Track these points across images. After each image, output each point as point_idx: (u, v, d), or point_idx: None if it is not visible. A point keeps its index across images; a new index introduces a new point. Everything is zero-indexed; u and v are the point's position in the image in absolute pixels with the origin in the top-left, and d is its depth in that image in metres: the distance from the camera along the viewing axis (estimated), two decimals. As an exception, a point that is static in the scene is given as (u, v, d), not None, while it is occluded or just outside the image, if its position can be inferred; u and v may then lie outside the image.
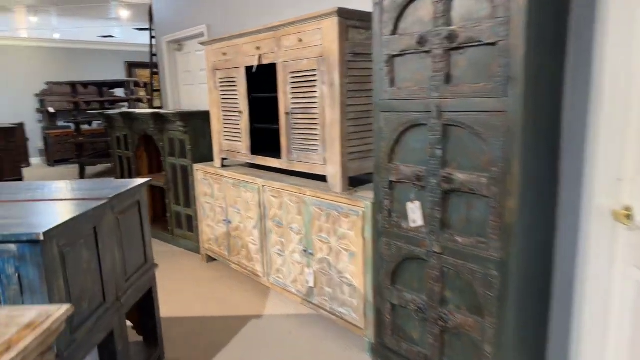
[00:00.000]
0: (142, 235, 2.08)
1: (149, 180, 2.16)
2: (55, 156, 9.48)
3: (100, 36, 10.13)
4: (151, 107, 6.16)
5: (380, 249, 2.07)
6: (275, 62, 2.58)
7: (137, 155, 4.35)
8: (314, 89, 2.34)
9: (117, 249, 1.81)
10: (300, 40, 2.36)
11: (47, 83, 9.98)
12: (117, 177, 4.68)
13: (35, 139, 9.90)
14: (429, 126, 1.77)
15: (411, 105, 1.83)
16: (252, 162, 2.99)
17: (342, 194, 2.26)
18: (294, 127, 2.54)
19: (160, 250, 3.99)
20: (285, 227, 2.65)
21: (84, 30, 9.62)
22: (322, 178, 2.45)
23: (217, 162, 3.33)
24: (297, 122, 2.52)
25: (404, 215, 1.93)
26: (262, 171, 3.04)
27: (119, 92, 9.70)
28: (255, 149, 3.00)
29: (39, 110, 9.98)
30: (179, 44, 4.85)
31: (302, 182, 2.62)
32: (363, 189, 2.35)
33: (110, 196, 1.75)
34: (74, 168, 8.26)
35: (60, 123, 9.87)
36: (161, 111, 3.81)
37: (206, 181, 3.39)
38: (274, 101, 2.70)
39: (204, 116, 3.56)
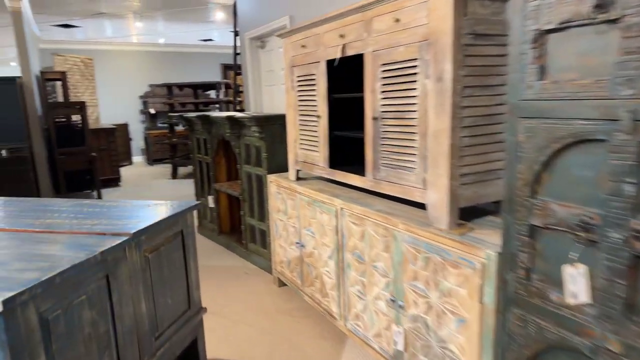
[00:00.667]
0: (185, 274, 1.64)
1: (196, 205, 1.72)
2: (154, 155, 9.96)
3: (201, 40, 10.51)
4: (235, 109, 5.97)
5: (508, 323, 1.38)
6: (362, 52, 2.00)
7: (215, 160, 4.08)
8: (413, 86, 1.73)
9: (144, 299, 1.38)
10: (397, 21, 1.76)
11: (150, 85, 10.56)
12: (196, 183, 4.49)
13: (138, 139, 10.53)
14: (611, 143, 1.06)
15: (577, 108, 1.13)
16: (330, 177, 2.46)
17: (450, 233, 1.61)
18: (384, 136, 1.94)
19: (232, 265, 3.65)
20: (367, 264, 2.06)
21: (186, 35, 10.04)
22: (421, 205, 1.82)
23: (291, 174, 2.85)
24: (387, 130, 1.92)
25: (555, 282, 1.24)
26: (343, 188, 2.49)
27: (214, 94, 9.91)
28: (335, 162, 2.46)
29: (142, 112, 10.59)
30: (261, 40, 4.52)
31: (393, 207, 2.01)
32: (481, 226, 1.67)
33: (135, 230, 1.32)
34: (168, 168, 8.54)
35: (159, 124, 10.37)
36: (236, 114, 3.46)
37: (279, 195, 2.93)
38: (359, 103, 2.12)
39: (283, 120, 3.12)
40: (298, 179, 2.83)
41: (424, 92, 1.67)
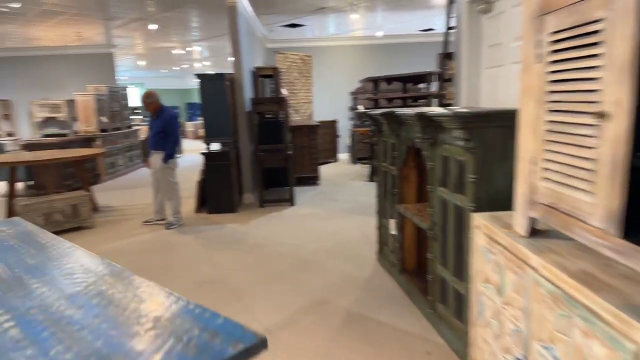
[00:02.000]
0: None
1: None
2: (358, 154, 9.55)
3: (421, 30, 9.60)
4: (442, 103, 4.71)
5: None
6: None
7: (402, 173, 3.01)
8: None
9: None
10: None
11: (360, 81, 10.19)
12: (378, 198, 3.51)
13: (346, 136, 10.35)
14: None
15: None
16: (623, 259, 1.05)
17: None
18: None
19: (409, 330, 2.52)
20: None
21: (405, 25, 9.28)
22: None
23: (519, 221, 1.52)
24: None
25: None
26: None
27: (426, 87, 8.79)
28: (636, 222, 1.04)
29: (351, 108, 10.34)
30: (486, 1, 3.13)
31: None
32: None
33: None
34: (367, 169, 7.90)
35: (365, 121, 9.89)
36: (430, 110, 2.28)
37: (491, 255, 1.64)
38: None
39: (510, 121, 1.78)
40: (533, 233, 1.48)
41: None
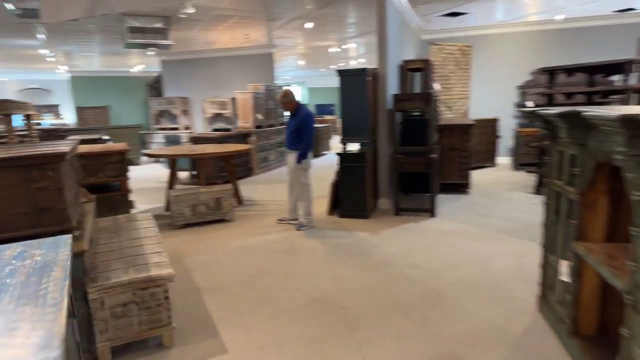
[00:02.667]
0: None
1: None
2: (521, 158, 8.14)
3: (616, 11, 7.68)
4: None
5: None
6: None
7: (586, 199, 2.12)
8: None
9: None
10: None
11: (532, 73, 8.65)
12: (545, 225, 2.62)
13: (508, 137, 8.96)
14: None
15: None
16: None
17: None
18: None
19: None
20: None
21: (596, 5, 7.51)
22: None
23: None
24: None
25: None
26: None
27: (621, 80, 6.93)
28: None
29: (517, 104, 8.89)
30: None
31: None
32: None
33: None
34: (534, 178, 6.58)
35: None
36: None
37: None
38: None
39: None
40: None
41: None
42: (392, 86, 5.49)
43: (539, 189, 6.04)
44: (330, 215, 5.23)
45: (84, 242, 2.27)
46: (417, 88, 7.02)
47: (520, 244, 3.99)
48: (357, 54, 16.16)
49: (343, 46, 13.60)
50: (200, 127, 10.92)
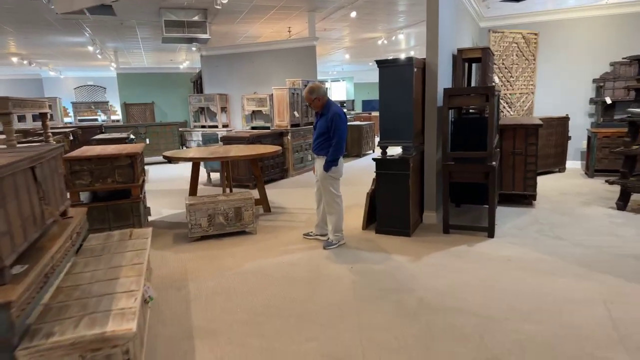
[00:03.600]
0: None
1: None
2: (597, 164, 6.95)
3: None
4: None
5: None
6: None
7: None
8: None
9: None
10: None
11: (612, 63, 7.38)
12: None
13: (579, 138, 7.74)
14: None
15: None
16: None
17: None
18: None
19: None
20: None
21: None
22: None
23: None
24: None
25: None
26: None
27: None
28: None
29: (592, 100, 7.65)
30: None
31: None
32: None
33: None
34: (615, 189, 5.46)
35: (616, 119, 7.11)
36: None
37: None
38: None
39: None
40: None
41: None
42: (443, 79, 4.65)
43: (624, 204, 4.96)
44: (364, 231, 4.50)
45: (19, 287, 1.73)
46: (473, 81, 6.09)
47: (608, 283, 3.07)
48: (407, 46, 15.16)
49: (393, 37, 12.71)
50: (239, 125, 10.52)
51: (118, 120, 15.62)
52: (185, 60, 15.47)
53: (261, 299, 3.02)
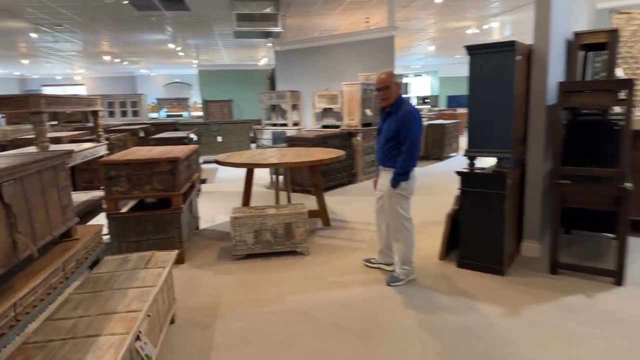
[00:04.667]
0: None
1: None
2: None
3: None
4: None
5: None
6: None
7: None
8: None
9: None
10: None
11: None
12: None
13: None
14: None
15: None
16: None
17: None
18: None
19: None
20: None
21: None
22: None
23: None
24: None
25: None
26: None
27: None
28: None
29: None
30: None
31: None
32: None
33: None
34: None
35: None
36: None
37: None
38: None
39: None
40: None
41: None
42: (554, 71, 3.57)
43: None
44: (442, 261, 3.61)
45: None
46: (589, 74, 4.82)
47: None
48: (501, 37, 13.53)
49: (484, 26, 11.30)
50: (310, 123, 9.96)
51: (200, 117, 16.00)
52: (264, 56, 15.37)
53: (297, 355, 2.33)
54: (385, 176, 3.17)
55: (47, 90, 20.07)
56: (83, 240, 2.36)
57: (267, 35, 9.05)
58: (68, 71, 18.05)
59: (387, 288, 3.12)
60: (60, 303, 2.05)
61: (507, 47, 3.10)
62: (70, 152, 2.47)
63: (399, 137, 3.04)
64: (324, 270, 3.48)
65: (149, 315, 2.02)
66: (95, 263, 2.60)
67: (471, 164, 3.41)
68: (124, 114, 13.51)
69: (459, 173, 3.38)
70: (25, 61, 14.44)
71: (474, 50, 3.25)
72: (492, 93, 3.21)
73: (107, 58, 14.50)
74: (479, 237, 3.35)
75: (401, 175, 3.04)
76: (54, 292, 1.96)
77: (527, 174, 3.59)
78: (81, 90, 19.46)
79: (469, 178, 3.35)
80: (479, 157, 3.40)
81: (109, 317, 1.89)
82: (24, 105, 3.15)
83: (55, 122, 10.75)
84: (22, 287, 1.75)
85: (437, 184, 6.77)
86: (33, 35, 9.63)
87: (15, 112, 3.50)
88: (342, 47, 9.55)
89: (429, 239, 4.07)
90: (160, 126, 9.13)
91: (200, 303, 2.99)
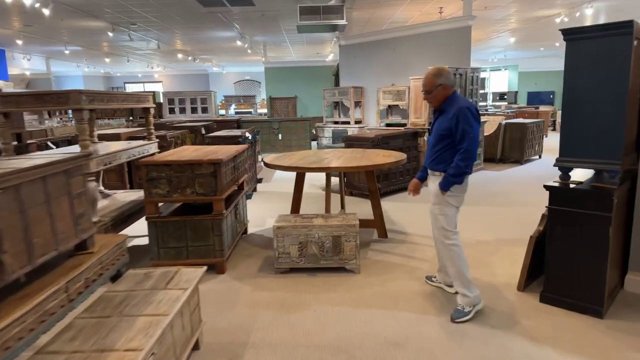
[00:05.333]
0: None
1: None
2: None
3: None
4: None
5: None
6: None
7: None
8: None
9: None
10: None
11: None
12: None
13: None
14: None
15: None
16: None
17: None
18: None
19: None
20: None
21: None
22: None
23: None
24: None
25: None
26: None
27: None
28: None
29: None
30: None
31: None
32: None
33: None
34: None
35: None
36: None
37: None
38: None
39: None
40: None
41: None
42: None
43: None
44: (521, 292, 2.96)
45: None
46: None
47: None
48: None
49: (577, 14, 9.97)
50: (373, 121, 9.43)
51: (266, 114, 16.09)
52: (331, 52, 15.03)
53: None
54: (435, 182, 2.64)
55: (129, 87, 21.44)
56: (99, 254, 2.11)
57: (332, 29, 8.66)
58: (147, 69, 19.07)
59: (451, 325, 2.57)
60: (62, 329, 1.81)
61: (623, 29, 2.40)
62: (87, 155, 2.24)
63: (452, 136, 2.52)
64: (375, 295, 3.00)
65: (153, 354, 1.70)
66: (118, 276, 2.37)
67: (564, 177, 2.73)
68: (194, 110, 13.89)
69: (547, 188, 2.73)
70: (107, 59, 15.39)
71: (573, 35, 2.57)
72: (596, 86, 2.52)
73: (180, 56, 15.01)
74: (571, 267, 2.68)
75: (455, 176, 2.51)
76: (50, 318, 1.70)
77: (638, 190, 2.83)
78: (158, 87, 20.52)
79: (561, 194, 2.69)
80: (574, 168, 2.72)
81: (104, 357, 1.59)
82: (65, 102, 3.03)
83: (131, 118, 11.23)
84: (6, 316, 1.50)
85: (516, 192, 5.96)
86: (110, 34, 10.08)
87: (56, 108, 3.41)
88: (411, 40, 8.88)
89: (505, 262, 3.43)
90: (224, 123, 9.12)
91: (232, 325, 2.66)
